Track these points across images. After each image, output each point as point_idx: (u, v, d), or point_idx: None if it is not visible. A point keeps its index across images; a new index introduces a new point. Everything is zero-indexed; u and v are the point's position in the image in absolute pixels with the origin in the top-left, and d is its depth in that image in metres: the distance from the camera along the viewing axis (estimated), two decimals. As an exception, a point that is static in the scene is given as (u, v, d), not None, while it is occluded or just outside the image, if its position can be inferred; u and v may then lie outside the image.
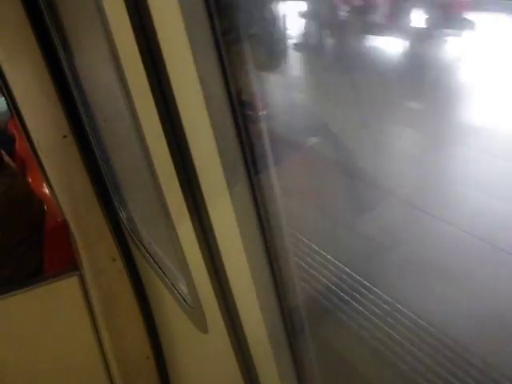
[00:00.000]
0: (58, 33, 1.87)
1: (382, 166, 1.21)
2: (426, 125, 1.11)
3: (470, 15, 0.91)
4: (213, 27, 0.72)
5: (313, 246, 1.33)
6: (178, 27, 0.79)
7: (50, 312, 2.41)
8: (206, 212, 1.07)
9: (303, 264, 1.24)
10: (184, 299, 1.66)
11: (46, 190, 2.56)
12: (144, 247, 2.02)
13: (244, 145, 0.83)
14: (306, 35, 1.18)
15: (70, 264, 2.41)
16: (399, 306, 1.15)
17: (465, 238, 1.14)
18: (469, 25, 0.90)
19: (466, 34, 0.93)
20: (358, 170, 1.28)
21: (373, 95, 1.11)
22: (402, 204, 1.25)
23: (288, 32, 1.15)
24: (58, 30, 1.86)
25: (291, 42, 1.20)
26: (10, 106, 2.13)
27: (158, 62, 0.94)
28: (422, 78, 1.01)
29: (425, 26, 0.96)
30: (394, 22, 0.99)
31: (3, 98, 3.65)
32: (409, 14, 0.98)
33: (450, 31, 0.94)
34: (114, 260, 2.35)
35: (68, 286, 2.40)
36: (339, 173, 1.31)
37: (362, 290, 1.25)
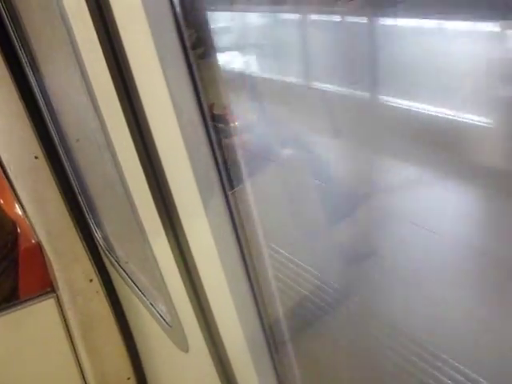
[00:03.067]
0: (25, 52, 1.85)
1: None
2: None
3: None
4: (182, 41, 0.71)
5: (290, 256, 1.33)
6: (147, 43, 0.78)
7: (27, 336, 2.36)
8: (182, 228, 1.06)
9: (281, 276, 1.23)
10: (163, 318, 1.63)
11: (19, 212, 2.52)
12: (121, 266, 1.99)
13: (217, 158, 0.82)
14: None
15: (45, 286, 2.37)
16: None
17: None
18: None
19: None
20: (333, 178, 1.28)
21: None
22: (377, 211, 1.25)
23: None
24: (26, 49, 1.84)
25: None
26: (-21, 127, 2.10)
27: (128, 79, 0.93)
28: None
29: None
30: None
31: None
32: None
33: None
34: (91, 281, 2.32)
35: (45, 309, 2.35)
36: (313, 182, 1.30)
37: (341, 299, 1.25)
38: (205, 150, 0.82)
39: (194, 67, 0.73)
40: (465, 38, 0.84)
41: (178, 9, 0.68)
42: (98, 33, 0.95)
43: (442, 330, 1.08)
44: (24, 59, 1.85)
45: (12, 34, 1.80)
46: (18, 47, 1.83)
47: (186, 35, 0.71)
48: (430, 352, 1.10)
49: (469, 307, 1.08)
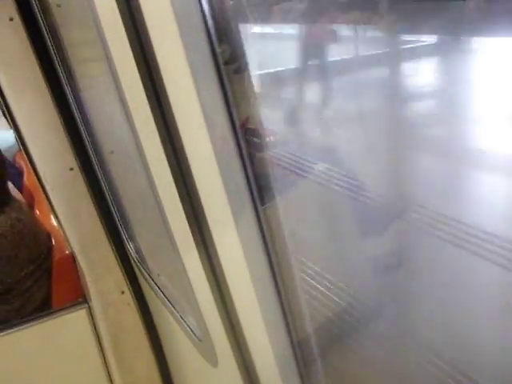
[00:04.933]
0: (63, 66, 1.88)
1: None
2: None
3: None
4: (214, 56, 0.71)
5: (322, 273, 1.31)
6: (180, 57, 0.78)
7: (58, 346, 2.38)
8: (212, 243, 1.06)
9: (313, 293, 1.21)
10: (193, 332, 1.63)
11: (54, 223, 2.56)
12: (152, 279, 2.00)
13: (249, 173, 0.81)
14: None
15: (78, 297, 2.39)
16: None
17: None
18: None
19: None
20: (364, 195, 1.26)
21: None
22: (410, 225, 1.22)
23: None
24: (63, 62, 1.87)
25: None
26: (17, 139, 2.14)
27: (161, 93, 0.93)
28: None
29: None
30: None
31: (11, 131, 3.68)
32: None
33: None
34: (123, 292, 2.33)
35: (76, 319, 2.37)
36: (345, 199, 1.29)
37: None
38: (236, 164, 0.81)
39: (226, 81, 0.73)
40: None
41: (209, 22, 0.68)
42: (131, 46, 0.96)
43: (478, 351, 1.05)
44: (61, 72, 1.88)
45: (49, 45, 1.84)
46: (55, 61, 1.86)
47: (218, 49, 0.71)
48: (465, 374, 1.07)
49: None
